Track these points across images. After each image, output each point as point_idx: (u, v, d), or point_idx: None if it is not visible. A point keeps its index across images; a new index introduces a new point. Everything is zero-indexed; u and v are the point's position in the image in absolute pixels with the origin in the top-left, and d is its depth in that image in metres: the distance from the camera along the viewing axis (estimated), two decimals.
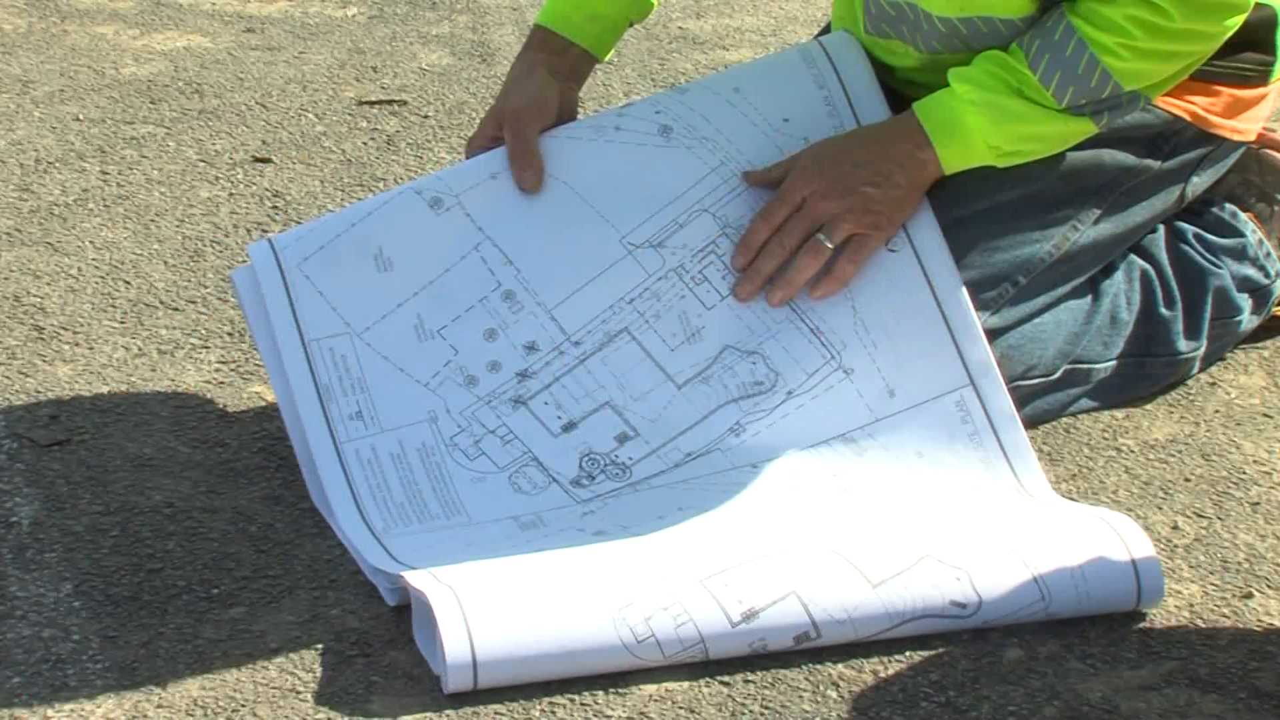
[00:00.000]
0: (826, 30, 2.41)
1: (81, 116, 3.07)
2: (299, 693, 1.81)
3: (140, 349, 2.40)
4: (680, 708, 1.80)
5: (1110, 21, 2.08)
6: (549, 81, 2.24)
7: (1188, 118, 2.27)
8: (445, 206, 2.17)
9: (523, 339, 2.12)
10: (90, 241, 2.67)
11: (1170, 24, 2.07)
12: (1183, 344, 2.34)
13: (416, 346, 2.11)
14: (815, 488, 2.06)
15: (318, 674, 1.83)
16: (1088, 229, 2.24)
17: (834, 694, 1.83)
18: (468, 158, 2.24)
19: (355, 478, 2.04)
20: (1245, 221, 2.41)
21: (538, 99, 2.22)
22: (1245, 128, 2.33)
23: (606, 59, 2.33)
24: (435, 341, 2.12)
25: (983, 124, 2.11)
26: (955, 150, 2.13)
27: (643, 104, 2.25)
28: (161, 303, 2.51)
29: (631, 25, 2.34)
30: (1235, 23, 2.12)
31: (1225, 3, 2.09)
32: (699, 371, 2.12)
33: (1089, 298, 2.29)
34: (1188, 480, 2.19)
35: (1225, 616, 1.95)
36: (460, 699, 1.80)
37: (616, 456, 2.08)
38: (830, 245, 2.12)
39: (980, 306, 2.16)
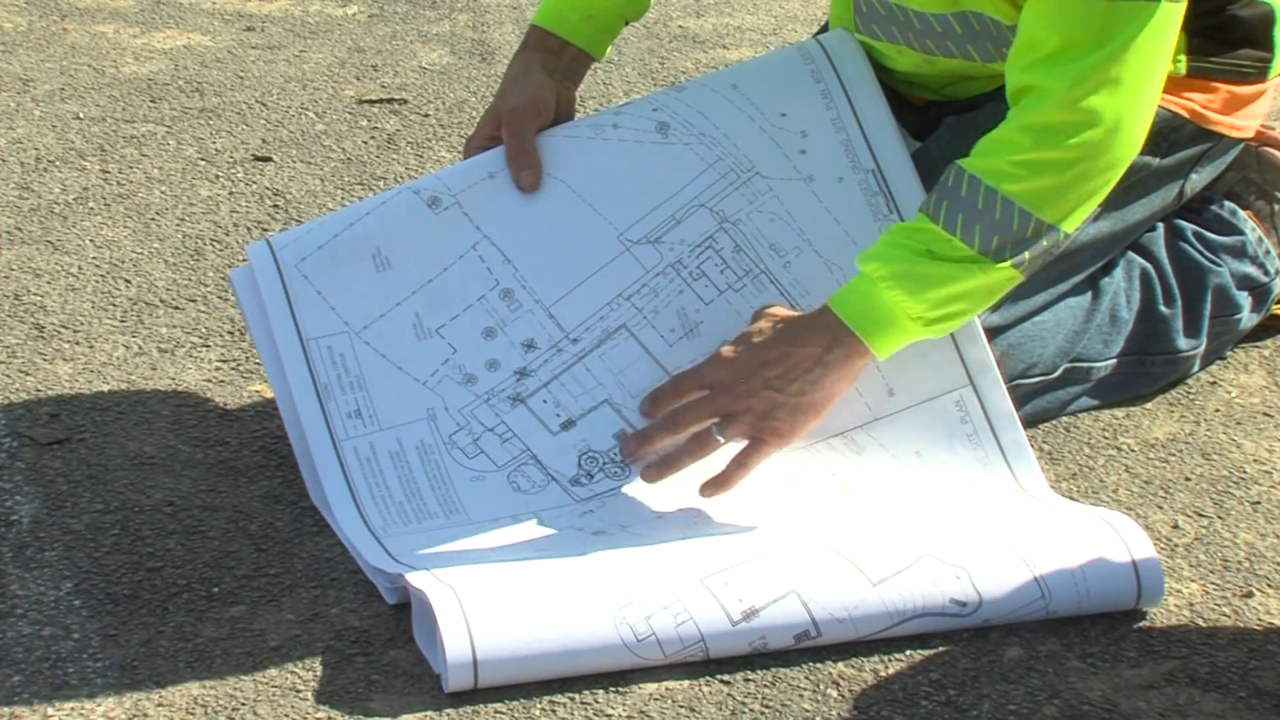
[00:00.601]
0: (825, 30, 2.41)
1: (82, 115, 3.07)
2: (299, 691, 1.81)
3: (140, 347, 2.40)
4: (681, 706, 1.81)
5: (996, 142, 1.99)
6: (546, 81, 2.24)
7: (1186, 114, 2.27)
8: (443, 206, 2.17)
9: (521, 337, 2.12)
10: (90, 240, 2.67)
11: (1051, 116, 1.95)
12: (1182, 342, 2.34)
13: (415, 345, 2.11)
14: (814, 486, 2.06)
15: (318, 673, 1.83)
16: (1087, 226, 2.24)
17: (834, 693, 1.83)
18: (466, 158, 2.24)
19: (354, 476, 2.04)
20: (1244, 219, 2.41)
21: (535, 98, 2.22)
22: (1244, 124, 2.33)
23: (603, 58, 2.34)
24: (434, 340, 2.12)
25: (899, 298, 1.98)
26: (883, 334, 2.00)
27: (640, 102, 2.26)
28: (162, 301, 2.51)
29: (627, 24, 2.34)
30: (1137, 142, 2.00)
31: (1111, 79, 1.96)
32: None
33: (1089, 296, 2.29)
34: (1188, 479, 2.19)
35: (1225, 615, 1.95)
36: (461, 698, 1.80)
37: (615, 454, 2.08)
38: (721, 441, 2.01)
39: None
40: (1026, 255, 1.99)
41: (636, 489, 2.05)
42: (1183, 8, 2.00)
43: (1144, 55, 1.97)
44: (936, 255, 1.99)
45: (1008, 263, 1.99)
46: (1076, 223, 2.01)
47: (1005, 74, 2.03)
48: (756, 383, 2.00)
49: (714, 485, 2.01)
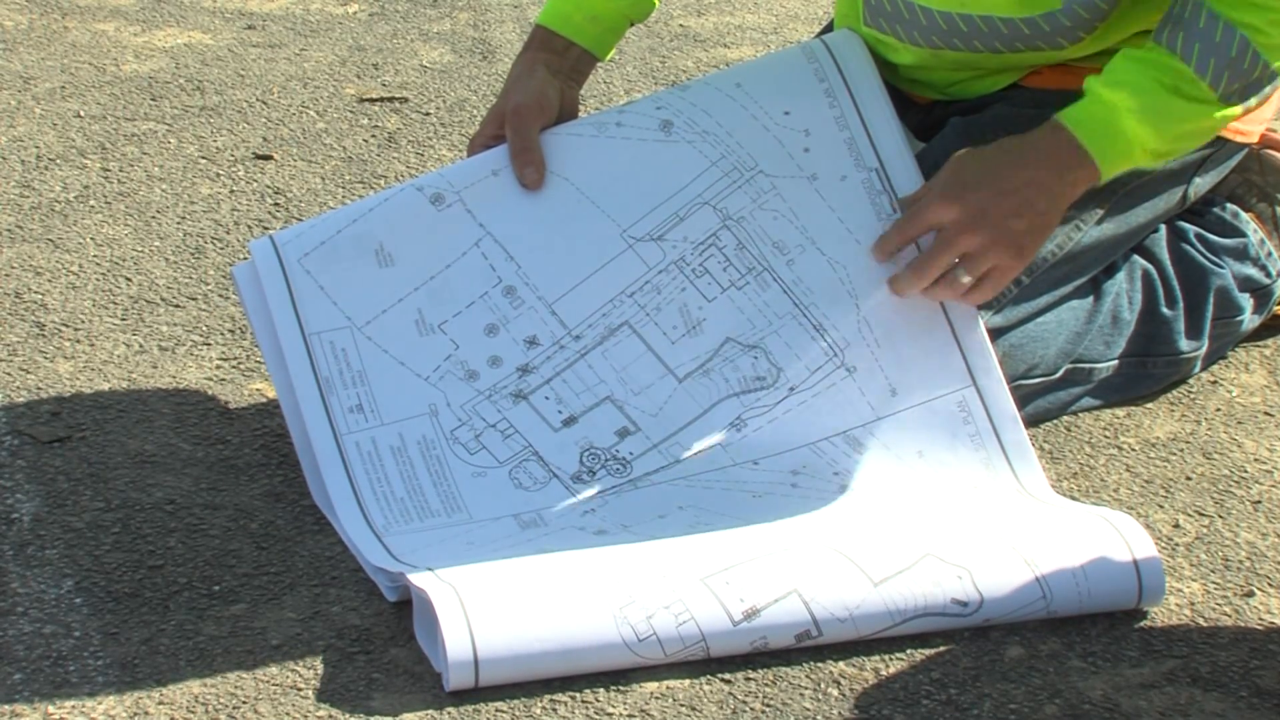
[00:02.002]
0: (828, 29, 2.41)
1: (82, 113, 3.07)
2: (300, 690, 1.81)
3: (141, 346, 2.40)
4: (681, 705, 1.80)
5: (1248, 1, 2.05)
6: (550, 80, 2.24)
7: None
8: (447, 203, 2.17)
9: (523, 334, 2.12)
10: (91, 238, 2.66)
11: None
12: (1184, 343, 2.34)
13: (417, 341, 2.11)
14: (816, 485, 2.06)
15: (319, 671, 1.83)
16: (1090, 229, 2.24)
17: (835, 692, 1.83)
18: (470, 156, 2.24)
19: (355, 472, 2.04)
20: (1246, 221, 2.41)
21: (539, 97, 2.22)
22: (1248, 129, 2.33)
23: (607, 58, 2.34)
24: (436, 336, 2.12)
25: (1143, 131, 2.05)
26: (1116, 160, 2.07)
27: (644, 101, 2.26)
28: (163, 299, 2.51)
29: (632, 24, 2.34)
30: None
31: None
32: (700, 364, 2.12)
33: (1091, 297, 2.29)
34: (1189, 479, 2.19)
35: (1226, 615, 1.95)
36: (462, 696, 1.80)
37: (617, 451, 2.08)
38: (968, 280, 2.07)
39: (983, 305, 2.16)
40: (1254, 100, 2.08)
41: (637, 488, 2.05)
42: None
43: None
44: (1184, 94, 2.05)
45: (1236, 104, 2.07)
46: None
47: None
48: (998, 214, 2.04)
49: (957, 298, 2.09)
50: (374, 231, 2.15)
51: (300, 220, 2.72)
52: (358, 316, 2.12)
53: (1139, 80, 2.06)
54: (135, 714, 1.77)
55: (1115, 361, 2.31)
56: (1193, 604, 1.96)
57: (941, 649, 1.88)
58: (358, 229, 2.15)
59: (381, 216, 2.16)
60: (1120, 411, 2.31)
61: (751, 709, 1.80)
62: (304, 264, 2.13)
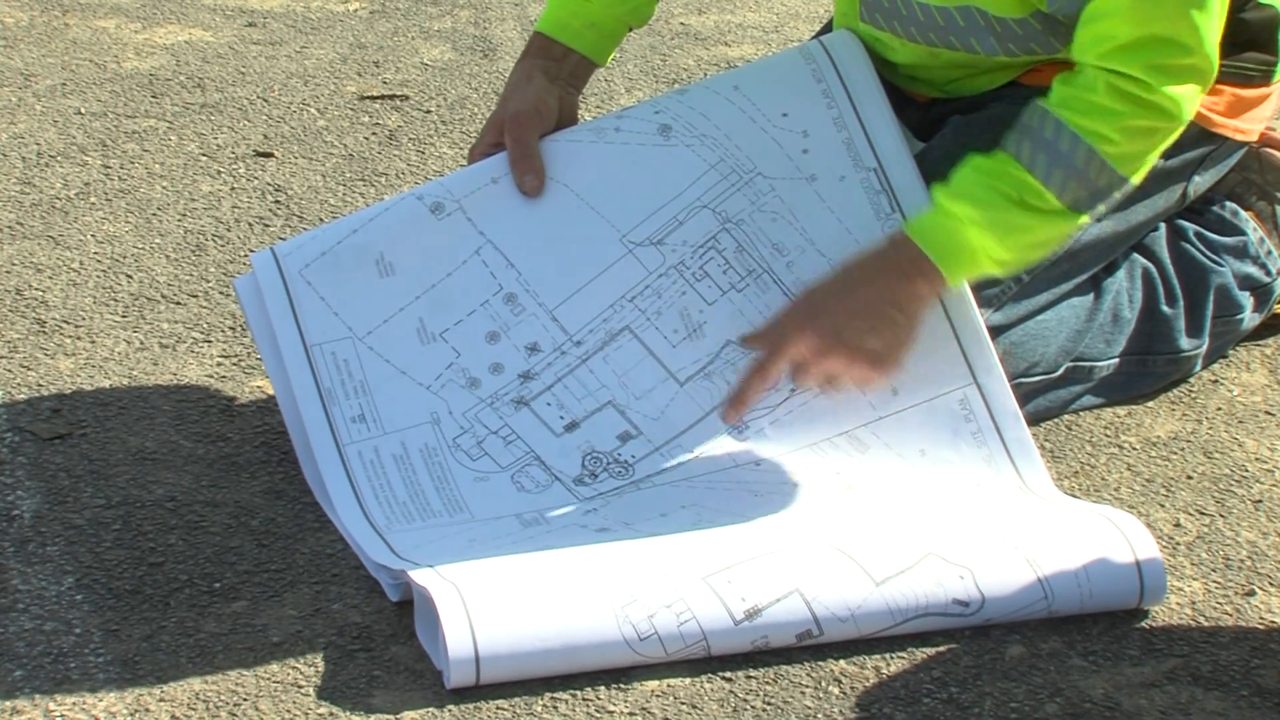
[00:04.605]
0: (827, 28, 2.41)
1: (83, 110, 3.07)
2: (301, 687, 1.81)
3: (142, 343, 2.40)
4: (683, 704, 1.80)
5: (1097, 106, 2.01)
6: (548, 87, 2.25)
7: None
8: (446, 211, 2.17)
9: (525, 340, 2.12)
10: (92, 235, 2.66)
11: (1149, 95, 2.00)
12: (1185, 342, 2.34)
13: (419, 349, 2.11)
14: (818, 485, 2.05)
15: (320, 668, 1.83)
16: (1090, 226, 2.23)
17: (836, 690, 1.83)
18: (469, 165, 2.24)
19: (358, 479, 2.04)
20: (1246, 220, 2.41)
21: (537, 104, 2.23)
22: (1248, 127, 2.33)
23: (606, 64, 2.34)
24: (437, 344, 2.12)
25: (988, 243, 2.02)
26: (962, 270, 2.04)
27: (643, 105, 2.26)
28: (163, 297, 2.51)
29: (631, 30, 2.34)
30: (1196, 96, 2.04)
31: (1190, 67, 2.01)
32: (701, 368, 2.12)
33: (1091, 295, 2.29)
34: (1190, 478, 2.19)
35: (1227, 614, 1.95)
36: (463, 694, 1.80)
37: (619, 455, 2.08)
38: (837, 394, 2.07)
39: (983, 304, 2.16)
40: (1102, 207, 2.06)
41: (639, 488, 2.05)
42: None
43: (1211, 17, 2.01)
44: (1028, 205, 2.03)
45: (1085, 214, 2.05)
46: (1142, 175, 2.06)
47: (1075, 54, 2.05)
48: (852, 335, 2.01)
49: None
50: (374, 241, 2.15)
51: (301, 217, 2.72)
52: (359, 327, 2.12)
53: (982, 193, 2.02)
54: (136, 711, 1.77)
55: (1116, 360, 2.31)
56: (1194, 603, 1.96)
57: (942, 648, 1.88)
58: (358, 239, 2.15)
59: (381, 226, 2.16)
60: (1121, 410, 2.31)
61: (753, 707, 1.80)
62: (305, 275, 2.13)
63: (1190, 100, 2.03)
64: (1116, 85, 2.00)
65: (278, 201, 2.78)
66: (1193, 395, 2.35)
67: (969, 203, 2.02)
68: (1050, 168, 2.02)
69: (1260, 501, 2.14)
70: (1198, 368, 2.37)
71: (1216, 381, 2.38)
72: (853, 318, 2.01)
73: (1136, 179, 2.06)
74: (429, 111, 3.11)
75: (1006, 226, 2.02)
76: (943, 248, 2.02)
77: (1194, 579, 2.00)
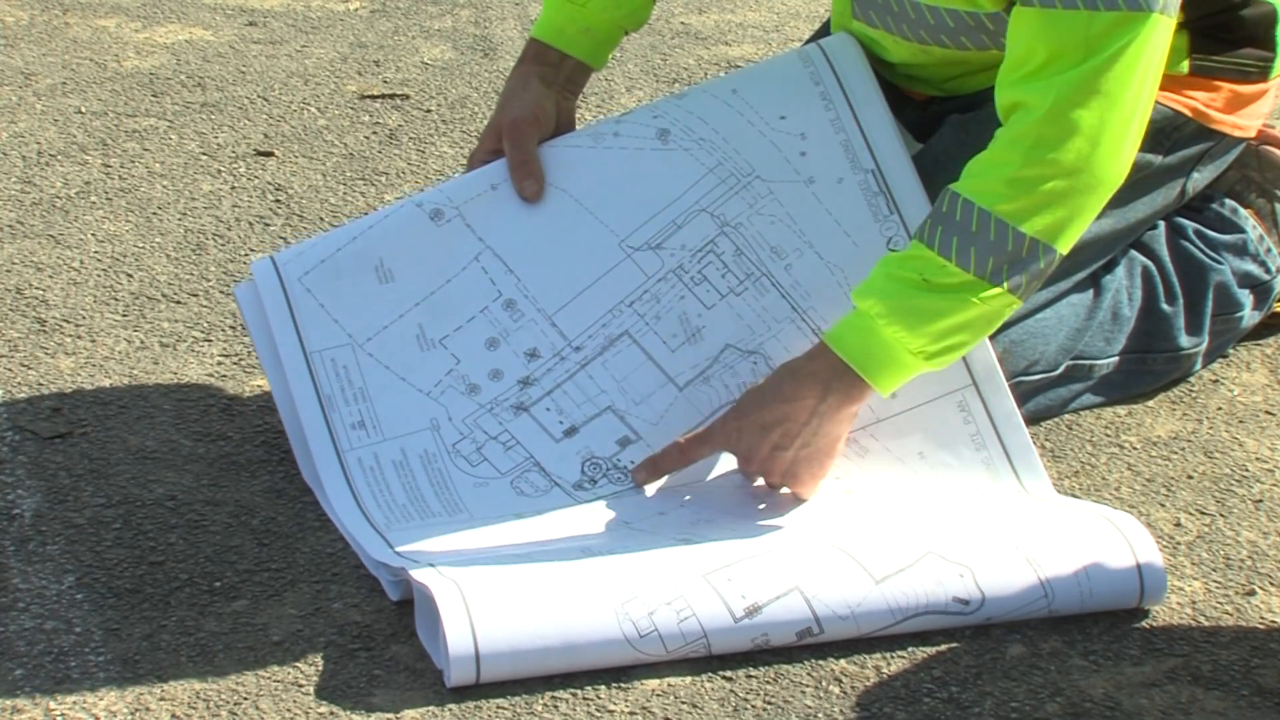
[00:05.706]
0: (825, 29, 2.41)
1: (83, 109, 3.07)
2: (301, 686, 1.81)
3: (142, 342, 2.40)
4: (683, 702, 1.80)
5: (986, 162, 1.97)
6: (545, 93, 2.25)
7: (1189, 113, 2.27)
8: (446, 218, 2.17)
9: (524, 346, 2.12)
10: (92, 234, 2.66)
11: (1038, 130, 1.92)
12: (1184, 340, 2.34)
13: (418, 356, 2.11)
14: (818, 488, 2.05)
15: (320, 667, 1.83)
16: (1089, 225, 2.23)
17: (836, 689, 1.83)
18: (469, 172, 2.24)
19: (358, 484, 2.04)
20: (1245, 217, 2.41)
21: (535, 110, 2.23)
22: (1246, 124, 2.33)
23: (602, 68, 2.34)
24: (437, 351, 2.12)
25: (899, 334, 1.95)
26: (885, 372, 1.97)
27: (641, 110, 2.26)
28: (164, 296, 2.51)
29: (627, 34, 2.34)
30: (1126, 159, 1.97)
31: (1100, 92, 1.94)
32: (700, 372, 2.12)
33: (1090, 293, 2.29)
34: (1190, 477, 2.19)
35: (1228, 614, 1.95)
36: (463, 693, 1.80)
37: (618, 460, 2.08)
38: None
39: None
40: (1022, 278, 1.96)
41: (638, 492, 2.05)
42: (1173, 22, 1.98)
43: (1132, 68, 1.94)
44: (932, 284, 1.96)
45: (1004, 286, 1.95)
46: (1069, 241, 1.98)
47: (995, 92, 2.02)
48: (765, 447, 1.99)
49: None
50: (374, 248, 2.15)
51: (301, 216, 2.72)
52: (359, 333, 2.12)
53: (885, 283, 1.97)
54: (136, 710, 1.77)
55: (1116, 358, 2.31)
56: (1194, 603, 1.97)
57: (943, 647, 1.88)
58: (357, 246, 2.16)
59: (381, 233, 2.16)
60: (1121, 410, 2.31)
61: (753, 706, 1.80)
62: (304, 282, 2.14)
63: (1099, 161, 1.94)
64: (1006, 134, 1.96)
65: (278, 201, 2.78)
66: (1193, 395, 2.35)
67: (875, 296, 1.97)
68: (946, 237, 1.96)
69: (1260, 501, 2.14)
70: (1198, 366, 2.37)
71: (1217, 381, 2.38)
72: (765, 430, 2.00)
73: (1060, 245, 1.96)
74: (429, 111, 3.11)
75: (913, 312, 1.95)
76: (859, 350, 1.97)
77: (1194, 579, 2.01)
